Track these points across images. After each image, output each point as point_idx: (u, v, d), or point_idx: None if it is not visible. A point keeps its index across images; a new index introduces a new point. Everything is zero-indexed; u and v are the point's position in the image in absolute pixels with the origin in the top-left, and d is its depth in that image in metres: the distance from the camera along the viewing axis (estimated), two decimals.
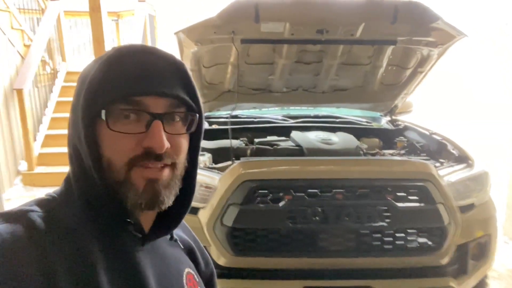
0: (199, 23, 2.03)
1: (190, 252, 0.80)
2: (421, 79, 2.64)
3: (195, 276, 0.76)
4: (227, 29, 2.11)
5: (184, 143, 0.65)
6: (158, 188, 0.62)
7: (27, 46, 4.86)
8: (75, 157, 0.63)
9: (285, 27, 2.12)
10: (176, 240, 0.75)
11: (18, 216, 0.56)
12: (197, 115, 0.65)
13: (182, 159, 0.65)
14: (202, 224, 1.88)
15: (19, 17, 4.79)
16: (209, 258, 0.86)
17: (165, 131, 0.60)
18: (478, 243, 2.04)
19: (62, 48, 5.70)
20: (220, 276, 1.87)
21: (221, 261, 1.85)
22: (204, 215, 1.88)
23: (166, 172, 0.63)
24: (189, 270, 0.74)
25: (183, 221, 0.77)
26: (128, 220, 0.63)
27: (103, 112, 0.58)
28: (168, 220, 0.70)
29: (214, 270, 0.87)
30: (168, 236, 0.74)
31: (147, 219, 0.68)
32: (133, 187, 0.60)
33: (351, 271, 1.89)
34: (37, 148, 4.68)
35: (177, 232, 0.78)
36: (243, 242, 1.87)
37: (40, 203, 0.61)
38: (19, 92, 4.35)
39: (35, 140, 4.66)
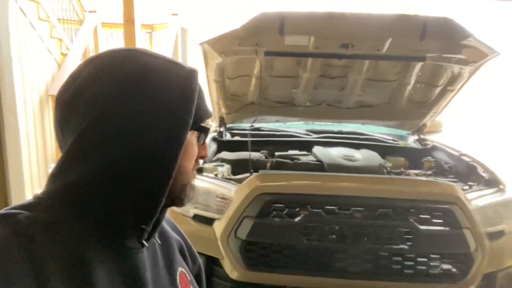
0: (223, 35, 2.05)
1: (180, 250, 0.81)
2: (451, 98, 2.54)
3: (187, 274, 0.76)
4: (251, 41, 2.12)
5: None
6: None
7: (64, 55, 5.07)
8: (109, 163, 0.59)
9: (310, 41, 2.10)
10: (164, 237, 0.76)
11: (4, 219, 0.54)
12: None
13: None
14: (217, 235, 1.85)
15: (58, 27, 5.01)
16: (197, 254, 0.88)
17: None
18: (508, 273, 1.91)
19: None
20: None
21: (234, 275, 1.82)
22: (219, 227, 1.86)
23: None
24: (181, 269, 0.75)
25: (170, 218, 0.83)
26: (143, 226, 0.62)
27: (197, 128, 0.67)
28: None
29: (202, 267, 0.88)
30: (157, 234, 0.74)
31: None
32: (193, 186, 0.70)
33: None
34: None
35: (167, 231, 0.78)
36: (256, 256, 1.83)
37: (29, 205, 0.59)
38: (54, 98, 4.52)
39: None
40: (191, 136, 0.67)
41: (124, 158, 0.58)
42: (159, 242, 0.73)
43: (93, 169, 0.58)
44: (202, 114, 0.67)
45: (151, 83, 0.60)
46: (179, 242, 0.81)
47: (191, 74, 0.64)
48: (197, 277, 0.85)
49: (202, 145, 0.71)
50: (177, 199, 0.68)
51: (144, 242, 0.64)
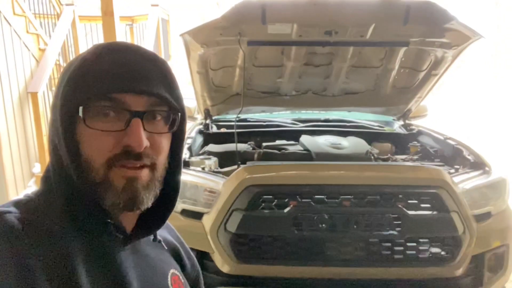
0: (204, 25, 2.00)
1: (175, 254, 0.79)
2: (435, 82, 2.55)
3: (180, 277, 0.75)
4: (233, 30, 2.07)
5: (165, 143, 0.64)
6: (137, 187, 0.60)
7: (42, 50, 4.93)
8: (54, 156, 0.62)
9: (293, 29, 2.06)
10: (160, 241, 0.74)
11: None
12: (179, 114, 0.64)
13: (162, 160, 0.64)
14: (206, 230, 1.84)
15: (35, 21, 4.86)
16: (195, 259, 0.85)
17: (145, 129, 0.59)
18: (495, 253, 1.94)
19: (77, 52, 5.76)
20: (224, 284, 1.83)
21: (225, 269, 1.81)
22: (208, 221, 1.84)
23: (145, 172, 0.61)
24: (174, 271, 0.73)
25: (169, 222, 0.77)
26: (109, 220, 0.62)
27: (80, 109, 0.57)
28: (151, 221, 0.69)
29: (200, 272, 0.86)
30: (152, 237, 0.73)
31: (129, 220, 0.66)
32: (112, 187, 0.59)
33: (360, 281, 1.82)
34: None
35: (162, 233, 0.76)
36: (247, 249, 1.82)
37: (18, 204, 0.59)
38: (34, 95, 4.40)
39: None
40: (81, 124, 0.58)
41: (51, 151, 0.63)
42: (153, 242, 0.73)
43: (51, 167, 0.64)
44: (82, 93, 0.57)
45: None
46: (174, 245, 0.79)
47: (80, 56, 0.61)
48: (196, 282, 0.84)
49: (125, 131, 0.58)
50: (105, 199, 0.60)
51: (125, 240, 0.64)
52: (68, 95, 0.58)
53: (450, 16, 1.98)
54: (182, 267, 0.79)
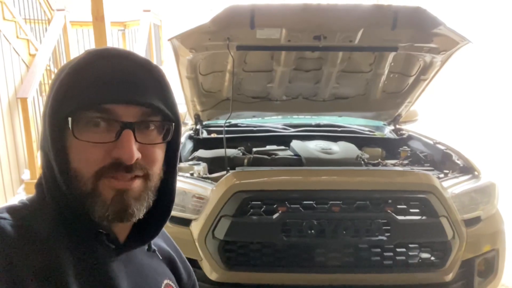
0: (192, 29, 1.99)
1: (171, 263, 0.77)
2: (424, 87, 2.56)
3: (175, 287, 0.74)
4: (221, 35, 2.06)
5: (158, 153, 0.62)
6: (127, 199, 0.58)
7: (33, 56, 4.89)
8: (45, 164, 0.61)
9: (281, 34, 2.06)
10: (154, 251, 0.73)
11: None
12: (173, 124, 0.62)
13: (156, 170, 0.62)
14: (194, 236, 1.81)
15: (25, 26, 4.83)
16: (191, 269, 0.84)
17: (137, 140, 0.57)
18: (485, 258, 1.94)
19: (68, 58, 5.73)
20: None
21: (213, 276, 1.78)
22: (196, 227, 1.82)
23: (137, 183, 0.60)
24: (168, 281, 0.72)
25: (165, 231, 0.77)
26: (100, 230, 0.60)
27: (69, 120, 0.55)
28: (146, 230, 0.67)
29: (197, 282, 0.85)
30: (146, 247, 0.71)
31: (122, 229, 0.65)
32: (101, 198, 0.57)
33: (349, 287, 1.80)
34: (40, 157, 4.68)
35: (157, 243, 0.75)
36: (235, 256, 1.80)
37: (11, 210, 0.58)
38: (23, 101, 4.36)
39: (38, 149, 4.66)
40: (70, 134, 0.57)
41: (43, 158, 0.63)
42: (148, 252, 0.72)
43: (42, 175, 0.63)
44: (71, 103, 0.55)
45: None
46: (169, 255, 0.78)
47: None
48: None
49: (115, 142, 0.56)
50: (94, 211, 0.58)
51: (118, 250, 0.63)
52: (57, 105, 0.57)
53: (438, 21, 1.98)
54: (179, 278, 0.78)
